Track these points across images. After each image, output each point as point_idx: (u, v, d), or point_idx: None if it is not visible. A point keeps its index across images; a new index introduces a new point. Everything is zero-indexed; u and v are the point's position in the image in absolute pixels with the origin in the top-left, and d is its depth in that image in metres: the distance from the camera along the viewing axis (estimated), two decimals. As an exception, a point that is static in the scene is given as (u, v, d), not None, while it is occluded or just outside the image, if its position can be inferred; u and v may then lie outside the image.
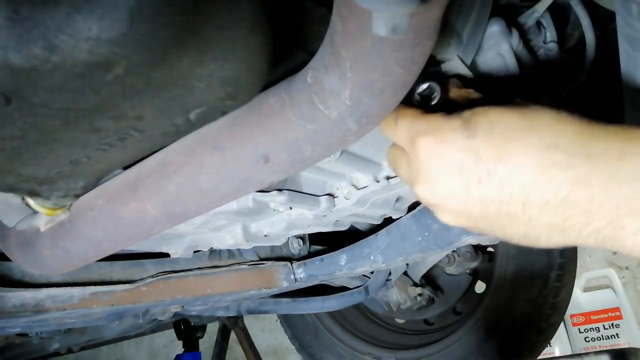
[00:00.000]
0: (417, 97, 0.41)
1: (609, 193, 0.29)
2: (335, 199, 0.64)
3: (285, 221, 0.67)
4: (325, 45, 0.33)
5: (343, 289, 1.23)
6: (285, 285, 0.96)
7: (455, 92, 0.41)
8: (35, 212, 0.48)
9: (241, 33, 0.31)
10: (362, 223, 1.01)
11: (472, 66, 0.50)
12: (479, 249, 1.29)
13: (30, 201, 0.45)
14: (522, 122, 0.32)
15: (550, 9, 0.62)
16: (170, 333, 1.68)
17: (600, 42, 0.68)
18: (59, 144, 0.35)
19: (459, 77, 0.47)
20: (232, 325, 2.01)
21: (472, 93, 0.40)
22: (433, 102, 0.40)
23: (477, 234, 0.70)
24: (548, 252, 1.18)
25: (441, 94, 0.40)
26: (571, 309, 1.63)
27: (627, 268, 2.00)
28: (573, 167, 0.30)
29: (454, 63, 0.46)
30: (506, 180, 0.32)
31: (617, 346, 1.85)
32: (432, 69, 0.46)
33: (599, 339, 1.91)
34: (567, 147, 0.30)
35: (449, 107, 0.38)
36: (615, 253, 2.02)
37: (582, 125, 0.31)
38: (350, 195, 0.63)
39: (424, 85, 0.41)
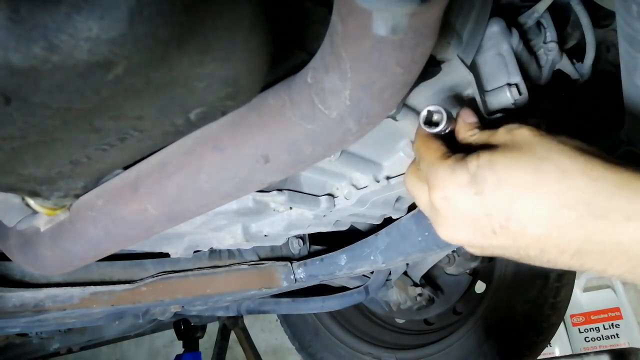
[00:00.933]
0: (423, 126, 0.42)
1: (619, 250, 0.31)
2: (335, 199, 0.64)
3: (285, 221, 0.67)
4: (325, 46, 0.33)
5: (343, 289, 1.23)
6: (285, 285, 0.96)
7: (461, 133, 0.43)
8: (35, 212, 0.48)
9: (241, 33, 0.31)
10: (362, 223, 1.01)
11: (472, 66, 0.50)
12: (479, 249, 1.29)
13: (30, 201, 0.45)
14: (529, 177, 0.33)
15: (550, 9, 0.62)
16: (170, 333, 1.68)
17: (600, 42, 0.68)
18: (59, 144, 0.35)
19: (472, 104, 0.48)
20: (232, 325, 2.01)
21: (475, 135, 0.41)
22: (439, 128, 0.41)
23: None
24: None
25: (447, 118, 0.41)
26: (571, 309, 1.63)
27: (627, 268, 2.00)
28: (582, 226, 0.31)
29: (454, 63, 0.46)
30: (520, 233, 0.34)
31: (617, 346, 1.85)
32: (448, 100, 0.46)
33: (599, 339, 1.91)
34: (574, 206, 0.31)
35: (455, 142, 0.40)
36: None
37: (587, 178, 0.32)
38: (350, 195, 0.63)
39: (424, 112, 0.42)
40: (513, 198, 0.33)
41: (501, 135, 0.37)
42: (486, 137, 0.39)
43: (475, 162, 0.36)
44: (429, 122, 0.42)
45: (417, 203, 0.43)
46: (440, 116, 0.41)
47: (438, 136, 0.42)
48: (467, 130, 0.42)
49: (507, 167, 0.34)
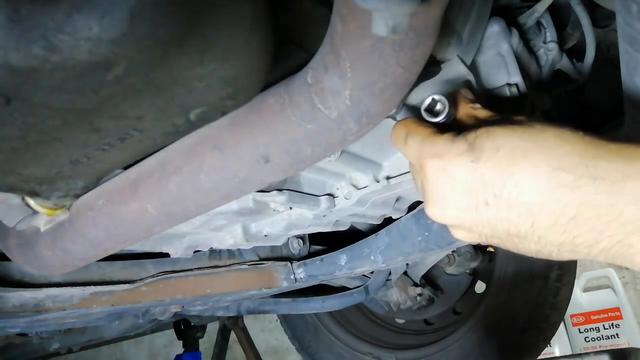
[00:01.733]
0: (423, 112, 0.40)
1: (616, 213, 0.29)
2: (335, 199, 0.64)
3: (285, 221, 0.67)
4: (325, 45, 0.33)
5: (343, 289, 1.23)
6: (285, 285, 0.96)
7: (463, 109, 0.42)
8: (35, 212, 0.48)
9: (241, 33, 0.31)
10: (362, 223, 1.01)
11: (472, 66, 0.50)
12: (479, 249, 1.29)
13: (30, 201, 0.45)
14: (527, 143, 0.33)
15: (550, 9, 0.62)
16: (170, 333, 1.68)
17: (600, 42, 0.68)
18: (59, 144, 0.35)
19: (468, 86, 0.47)
20: (232, 325, 2.01)
21: (478, 109, 0.40)
22: (439, 118, 0.40)
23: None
24: (548, 252, 1.18)
25: (449, 109, 0.40)
26: (571, 309, 1.63)
27: (627, 268, 2.00)
28: (579, 188, 0.30)
29: (454, 63, 0.46)
30: (513, 202, 0.33)
31: (617, 346, 1.85)
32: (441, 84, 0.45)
33: (599, 339, 1.91)
34: (572, 169, 0.30)
35: (457, 125, 0.39)
36: (615, 253, 2.02)
37: (586, 145, 0.31)
38: (350, 195, 0.62)
39: (428, 100, 0.40)
40: (510, 163, 0.32)
41: (500, 118, 0.37)
42: (485, 114, 0.39)
43: (474, 133, 0.35)
44: (430, 110, 0.40)
45: (415, 179, 0.41)
46: (443, 107, 0.40)
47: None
48: (468, 104, 0.41)
49: (505, 136, 0.33)
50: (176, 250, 0.72)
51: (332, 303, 1.18)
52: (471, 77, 0.47)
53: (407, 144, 0.39)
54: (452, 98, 0.42)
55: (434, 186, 0.37)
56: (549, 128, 0.33)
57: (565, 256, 0.34)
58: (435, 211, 0.38)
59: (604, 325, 1.91)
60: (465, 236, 0.38)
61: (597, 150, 0.31)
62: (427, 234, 0.76)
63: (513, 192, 0.32)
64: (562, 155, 0.31)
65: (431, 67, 0.44)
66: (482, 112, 0.40)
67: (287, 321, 1.58)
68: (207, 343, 2.25)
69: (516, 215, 0.33)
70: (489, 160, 0.33)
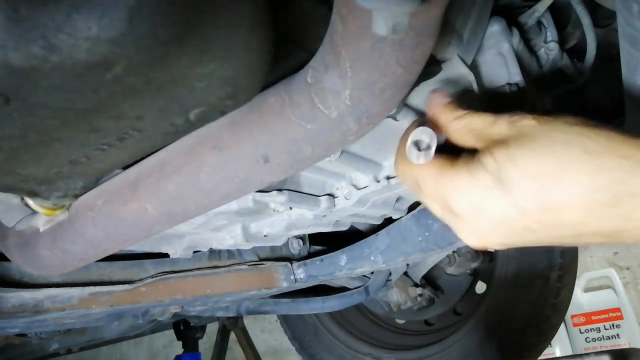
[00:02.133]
0: (411, 148, 0.37)
1: None
2: (335, 199, 0.64)
3: (285, 221, 0.67)
4: (325, 45, 0.33)
5: (343, 289, 1.23)
6: (285, 286, 0.96)
7: (447, 123, 0.38)
8: (34, 212, 0.48)
9: (241, 32, 0.31)
10: (362, 223, 1.01)
11: (473, 65, 0.50)
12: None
13: (30, 201, 0.45)
14: (555, 164, 0.32)
15: (551, 9, 0.62)
16: (170, 334, 1.68)
17: (601, 42, 0.68)
18: (58, 144, 0.35)
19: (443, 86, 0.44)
20: (231, 326, 2.01)
21: (466, 117, 0.37)
22: (430, 155, 0.36)
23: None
24: (549, 253, 1.18)
25: (438, 140, 0.37)
26: (572, 310, 1.63)
27: (627, 268, 2.00)
28: (618, 205, 0.31)
29: (455, 62, 0.46)
30: (557, 225, 0.33)
31: (618, 346, 1.84)
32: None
33: (599, 339, 1.91)
34: (608, 187, 0.31)
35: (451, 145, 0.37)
36: (616, 253, 2.02)
37: (617, 159, 0.31)
38: (350, 195, 0.62)
39: (415, 137, 0.37)
40: (544, 189, 0.31)
41: (505, 128, 0.35)
42: (485, 125, 0.36)
43: (492, 160, 0.33)
44: (416, 144, 0.37)
45: (429, 208, 0.39)
46: (429, 137, 0.37)
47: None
48: (451, 112, 0.38)
49: (529, 158, 0.32)
50: (176, 251, 0.72)
51: (332, 303, 1.18)
52: (471, 77, 0.47)
53: (423, 190, 0.37)
54: (431, 118, 0.38)
55: (466, 220, 0.35)
56: (570, 139, 0.32)
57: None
58: (476, 241, 0.37)
59: (604, 325, 1.90)
60: (508, 247, 0.38)
61: (629, 163, 0.30)
62: (427, 234, 0.76)
63: (555, 217, 0.32)
64: (595, 173, 0.31)
65: (431, 67, 0.44)
66: (474, 123, 0.37)
67: (287, 322, 1.58)
68: (206, 344, 2.24)
69: (561, 234, 0.33)
70: (520, 190, 0.32)
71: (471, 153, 0.36)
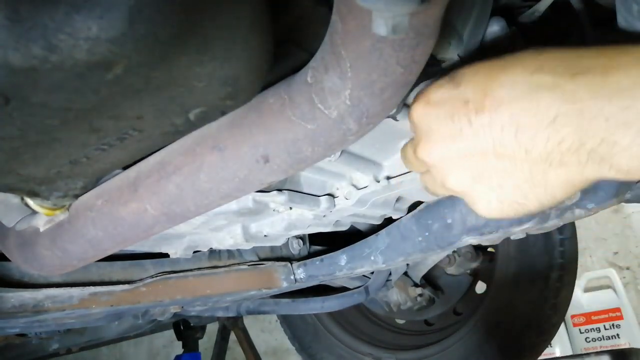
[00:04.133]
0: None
1: (597, 107, 0.28)
2: (335, 199, 0.64)
3: (285, 221, 0.67)
4: (325, 45, 0.33)
5: (343, 289, 1.22)
6: (285, 286, 0.96)
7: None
8: (34, 212, 0.48)
9: (241, 32, 0.31)
10: (362, 223, 1.01)
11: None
12: (479, 249, 1.29)
13: (30, 201, 0.45)
14: (505, 60, 0.32)
15: (551, 9, 0.62)
16: (170, 334, 1.68)
17: (601, 42, 0.68)
18: (58, 144, 0.35)
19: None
20: (231, 326, 2.01)
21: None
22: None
23: (477, 234, 0.70)
24: (548, 253, 1.18)
25: None
26: (572, 310, 1.63)
27: (627, 268, 2.00)
28: (560, 86, 0.29)
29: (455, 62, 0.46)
30: (495, 114, 0.31)
31: (618, 346, 1.84)
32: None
33: (599, 339, 1.91)
34: (552, 69, 0.29)
35: None
36: (616, 253, 2.02)
37: (565, 50, 0.30)
38: (351, 195, 0.62)
39: None
40: (489, 79, 0.32)
41: None
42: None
43: (454, 70, 0.35)
44: None
45: (405, 159, 0.41)
46: None
47: None
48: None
49: (485, 61, 0.34)
50: (175, 251, 0.72)
51: (332, 303, 1.18)
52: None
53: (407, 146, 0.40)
54: None
55: (419, 126, 0.37)
56: (525, 50, 0.32)
57: (557, 180, 0.31)
58: (422, 149, 0.36)
59: (604, 325, 1.90)
60: (455, 182, 0.36)
61: (579, 52, 0.30)
62: (427, 234, 0.76)
63: (493, 103, 0.31)
64: (541, 60, 0.30)
65: (431, 67, 0.44)
66: None
67: (287, 322, 1.58)
68: (206, 344, 2.24)
69: (499, 128, 0.31)
70: (468, 81, 0.33)
71: None
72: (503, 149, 0.32)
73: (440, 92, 0.35)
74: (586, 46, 0.30)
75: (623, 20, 0.43)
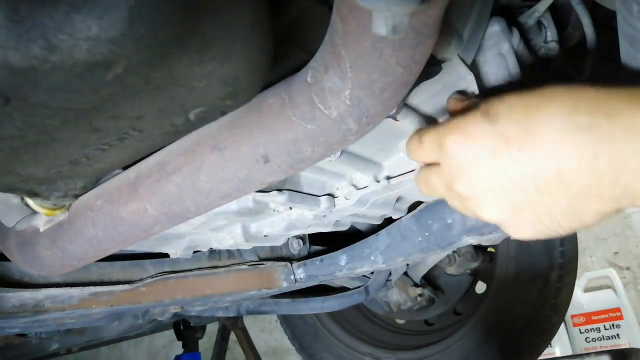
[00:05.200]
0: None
1: (631, 146, 0.30)
2: (335, 199, 0.64)
3: (285, 221, 0.67)
4: (325, 45, 0.33)
5: (343, 289, 1.22)
6: (285, 286, 0.96)
7: (457, 103, 0.44)
8: (34, 212, 0.48)
9: (241, 32, 0.31)
10: (362, 223, 1.01)
11: (473, 65, 0.50)
12: (479, 249, 1.29)
13: (30, 201, 0.45)
14: (538, 98, 0.34)
15: (551, 9, 0.62)
16: (170, 334, 1.68)
17: (601, 42, 0.68)
18: (58, 144, 0.35)
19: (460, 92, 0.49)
20: (231, 326, 2.01)
21: (477, 101, 0.42)
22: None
23: (477, 234, 0.70)
24: (549, 253, 1.18)
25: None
26: (572, 310, 1.63)
27: (627, 268, 2.00)
28: (597, 127, 0.31)
29: (455, 62, 0.46)
30: (537, 152, 0.33)
31: (618, 346, 1.84)
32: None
33: (599, 339, 1.91)
34: (587, 110, 0.31)
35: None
36: (616, 253, 2.02)
37: (597, 90, 0.32)
38: (351, 195, 0.62)
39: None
40: (526, 116, 0.33)
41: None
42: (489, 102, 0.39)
43: (485, 104, 0.36)
44: None
45: (429, 185, 0.42)
46: None
47: None
48: (464, 101, 0.43)
49: (517, 98, 0.35)
50: (175, 251, 0.72)
51: (332, 303, 1.18)
52: (472, 77, 0.47)
53: (422, 141, 0.40)
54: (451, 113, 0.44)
55: (458, 159, 0.37)
56: (556, 87, 0.34)
57: (593, 208, 0.33)
58: (463, 184, 0.38)
59: (604, 325, 1.90)
60: (496, 212, 0.38)
61: (609, 92, 0.32)
62: (427, 234, 0.76)
63: (535, 142, 0.33)
64: (575, 100, 0.32)
65: (431, 67, 0.44)
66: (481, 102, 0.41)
67: (287, 322, 1.58)
68: (206, 344, 2.24)
69: (542, 164, 0.33)
70: (506, 118, 0.34)
71: None
72: (545, 185, 0.34)
73: (478, 128, 0.36)
74: (611, 86, 0.32)
75: (623, 20, 0.43)
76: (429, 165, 0.42)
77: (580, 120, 0.31)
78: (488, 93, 0.53)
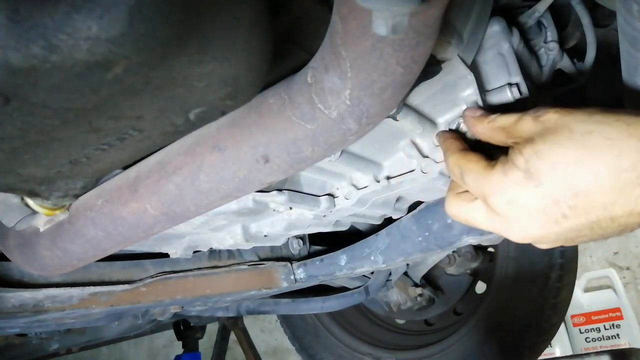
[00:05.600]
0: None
1: None
2: (335, 199, 0.64)
3: (285, 221, 0.67)
4: (326, 45, 0.33)
5: (343, 289, 1.22)
6: (285, 286, 0.96)
7: (481, 127, 0.43)
8: (34, 212, 0.48)
9: (241, 32, 0.31)
10: (362, 223, 1.01)
11: (473, 66, 0.50)
12: (479, 249, 1.29)
13: (30, 201, 0.45)
14: (578, 152, 0.34)
15: (551, 9, 0.62)
16: (170, 334, 1.68)
17: (601, 42, 0.68)
18: (58, 144, 0.35)
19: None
20: (231, 326, 2.01)
21: (494, 119, 0.42)
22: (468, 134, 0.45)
23: (477, 234, 0.70)
24: (548, 253, 1.18)
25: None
26: (572, 310, 1.63)
27: (627, 268, 2.00)
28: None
29: (455, 62, 0.46)
30: (589, 208, 0.35)
31: (618, 346, 1.84)
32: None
33: (599, 339, 1.91)
34: (631, 168, 0.33)
35: (488, 145, 0.42)
36: (616, 253, 2.02)
37: (636, 142, 0.33)
38: (350, 195, 0.62)
39: (454, 124, 0.47)
40: (572, 176, 0.34)
41: (530, 124, 0.38)
42: (511, 122, 0.40)
43: (522, 157, 0.36)
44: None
45: (474, 223, 0.43)
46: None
47: (468, 143, 0.44)
48: (483, 119, 0.43)
49: (554, 151, 0.35)
50: (175, 251, 0.72)
51: (332, 304, 1.18)
52: (471, 77, 0.47)
53: (465, 181, 0.41)
54: (467, 124, 0.45)
55: (507, 218, 0.38)
56: (590, 128, 0.34)
57: (618, 230, 0.36)
58: (517, 234, 0.39)
59: (604, 325, 1.90)
60: (552, 245, 0.40)
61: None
62: (427, 234, 0.76)
63: (585, 200, 0.34)
64: (617, 157, 0.33)
65: (431, 67, 0.44)
66: (502, 120, 0.41)
67: (287, 322, 1.58)
68: (206, 344, 2.24)
69: (595, 217, 0.35)
70: (551, 180, 0.35)
71: (506, 154, 0.39)
72: (599, 225, 0.36)
73: (523, 192, 0.36)
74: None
75: (623, 20, 0.43)
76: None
77: (627, 178, 0.33)
78: (487, 97, 0.53)
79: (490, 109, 0.48)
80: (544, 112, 0.37)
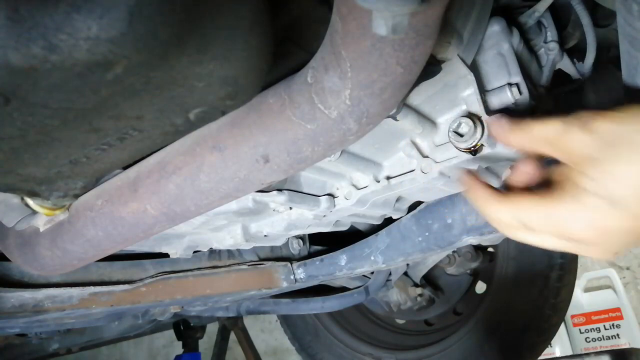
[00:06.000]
0: (451, 134, 0.46)
1: None
2: (335, 199, 0.64)
3: (285, 221, 0.67)
4: (326, 45, 0.33)
5: (343, 289, 1.22)
6: (285, 286, 0.96)
7: (520, 140, 0.40)
8: (34, 212, 0.48)
9: (241, 32, 0.31)
10: (362, 223, 1.01)
11: (473, 65, 0.50)
12: (479, 249, 1.29)
13: (30, 201, 0.45)
14: (628, 168, 0.33)
15: (551, 9, 0.62)
16: (170, 334, 1.68)
17: (601, 42, 0.68)
18: (58, 144, 0.35)
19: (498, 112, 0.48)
20: (231, 326, 2.01)
21: (535, 127, 0.38)
22: (468, 143, 0.45)
23: (477, 234, 0.70)
24: (548, 253, 1.18)
25: (474, 131, 0.44)
26: (572, 310, 1.62)
27: (627, 268, 2.00)
28: None
29: (455, 62, 0.46)
30: None
31: (618, 346, 1.84)
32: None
33: (599, 339, 1.91)
34: None
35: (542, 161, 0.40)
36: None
37: None
38: (351, 195, 0.62)
39: (455, 124, 0.47)
40: (632, 190, 0.33)
41: (581, 137, 0.35)
42: (555, 132, 0.37)
43: (589, 180, 0.34)
44: (456, 132, 0.46)
45: (544, 247, 0.40)
46: (469, 128, 0.46)
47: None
48: (516, 129, 0.40)
49: (627, 171, 0.33)
50: (175, 251, 0.72)
51: (332, 303, 1.18)
52: (471, 77, 0.47)
53: (530, 226, 0.38)
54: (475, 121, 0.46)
55: (597, 244, 0.37)
56: (622, 138, 0.33)
57: None
58: (601, 255, 0.38)
59: (604, 325, 1.90)
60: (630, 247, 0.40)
61: None
62: (427, 234, 0.76)
63: None
64: None
65: (431, 67, 0.44)
66: (541, 130, 0.38)
67: (287, 322, 1.58)
68: (206, 344, 2.25)
69: None
70: (636, 202, 0.33)
71: (558, 169, 0.37)
72: None
73: (609, 219, 0.35)
74: None
75: (623, 20, 0.43)
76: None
77: None
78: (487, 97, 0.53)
79: (498, 112, 0.48)
80: (592, 121, 0.35)
